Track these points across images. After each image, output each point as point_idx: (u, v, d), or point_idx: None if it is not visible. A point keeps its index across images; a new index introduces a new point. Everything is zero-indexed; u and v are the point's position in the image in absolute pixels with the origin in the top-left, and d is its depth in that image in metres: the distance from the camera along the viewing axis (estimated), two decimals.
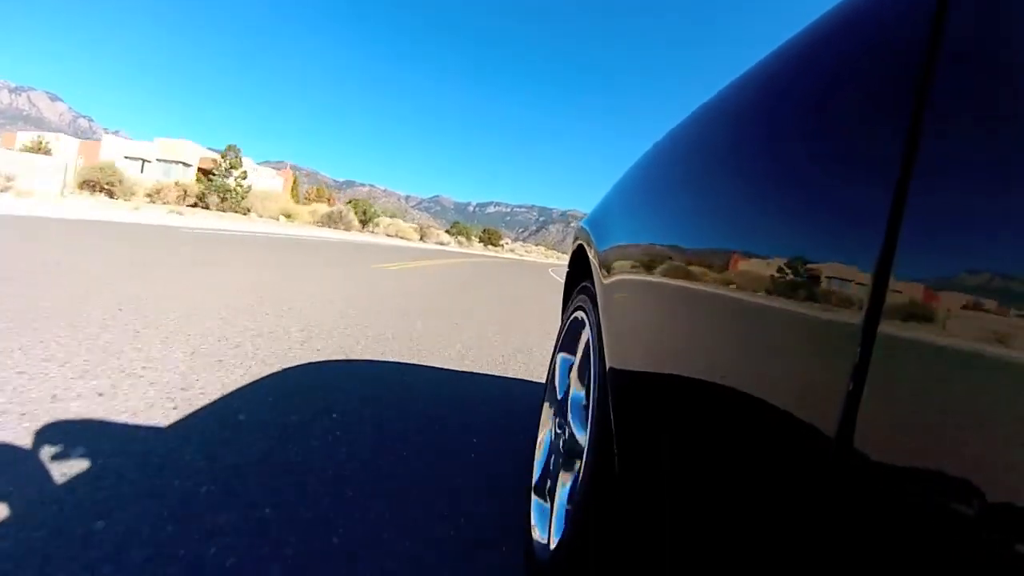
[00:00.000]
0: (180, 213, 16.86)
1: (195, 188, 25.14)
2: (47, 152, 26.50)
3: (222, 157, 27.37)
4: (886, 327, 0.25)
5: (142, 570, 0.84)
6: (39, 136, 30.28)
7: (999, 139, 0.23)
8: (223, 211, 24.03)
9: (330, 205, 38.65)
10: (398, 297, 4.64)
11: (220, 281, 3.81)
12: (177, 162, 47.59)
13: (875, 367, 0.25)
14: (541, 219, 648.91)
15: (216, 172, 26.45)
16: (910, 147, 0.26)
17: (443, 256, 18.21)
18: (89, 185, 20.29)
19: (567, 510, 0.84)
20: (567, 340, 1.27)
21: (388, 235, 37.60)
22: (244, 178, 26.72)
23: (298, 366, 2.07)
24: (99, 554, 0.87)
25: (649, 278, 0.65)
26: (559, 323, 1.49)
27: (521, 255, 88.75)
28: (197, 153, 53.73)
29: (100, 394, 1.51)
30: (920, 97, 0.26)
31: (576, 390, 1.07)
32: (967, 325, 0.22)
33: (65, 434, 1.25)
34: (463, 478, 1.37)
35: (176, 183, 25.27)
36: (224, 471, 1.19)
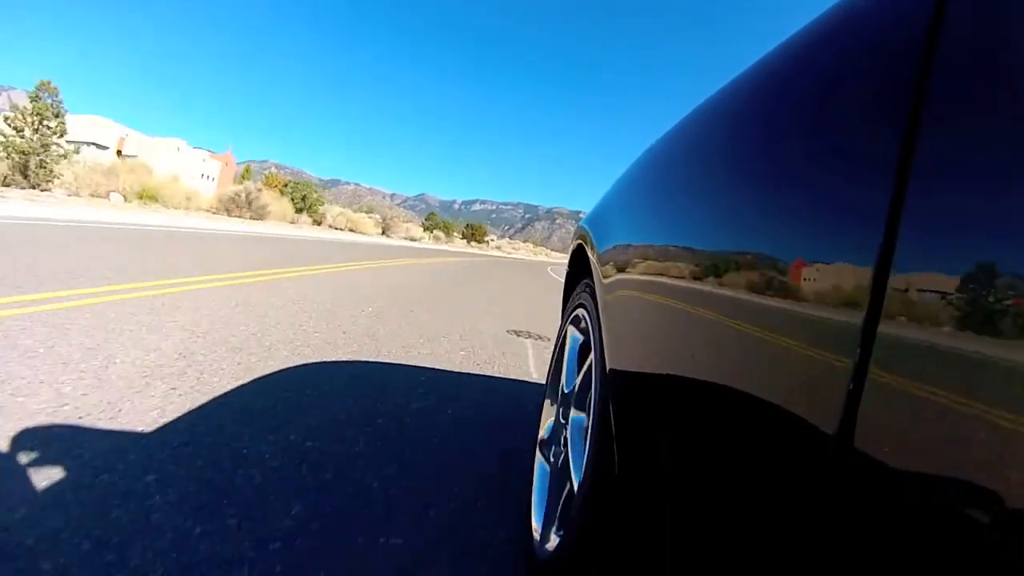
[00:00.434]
0: None
1: None
2: None
3: (30, 103, 16.16)
4: (886, 327, 0.25)
5: None
6: None
7: (997, 139, 0.23)
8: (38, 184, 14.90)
9: (281, 194, 31.96)
10: None
11: None
12: (88, 143, 40.36)
13: (875, 367, 0.25)
14: (527, 216, 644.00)
15: (16, 125, 15.76)
16: (909, 147, 0.26)
17: (401, 255, 13.71)
18: None
19: (568, 510, 0.84)
20: (567, 339, 1.27)
21: (336, 227, 30.61)
22: (61, 135, 16.54)
23: None
24: None
25: (649, 278, 0.65)
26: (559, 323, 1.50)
27: (507, 252, 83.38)
28: (117, 133, 45.65)
29: None
30: (918, 97, 0.26)
31: (577, 387, 1.06)
32: (966, 325, 0.22)
33: None
34: None
35: None
36: None
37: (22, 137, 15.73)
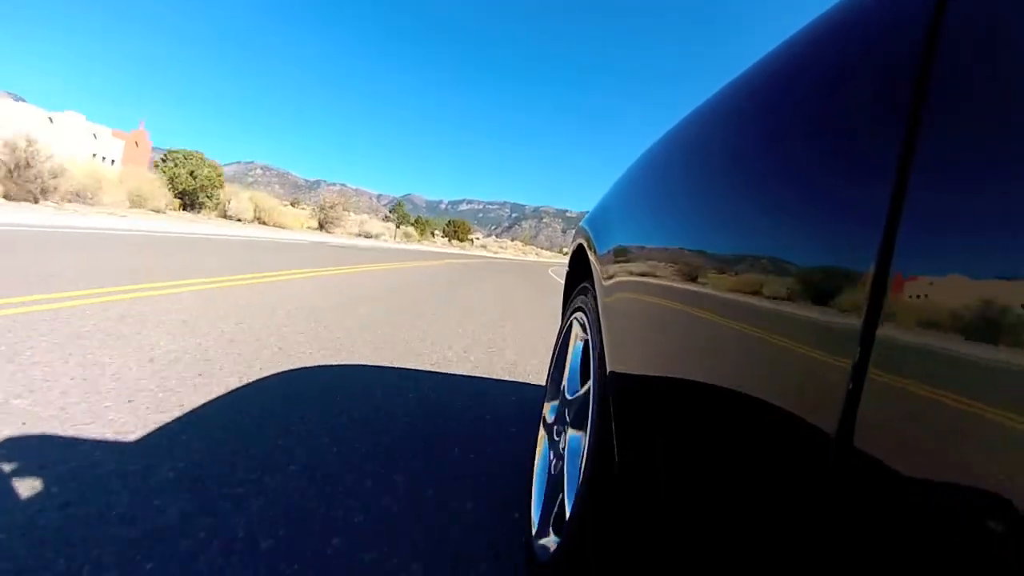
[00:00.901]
0: None
1: None
2: None
3: None
4: (885, 327, 0.25)
5: None
6: None
7: (997, 139, 0.23)
8: None
9: (218, 184, 22.95)
10: None
11: None
12: None
13: (875, 367, 0.25)
14: (514, 215, 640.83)
15: None
16: (909, 147, 0.26)
17: (329, 263, 7.57)
18: None
19: (568, 512, 0.83)
20: (567, 340, 1.28)
21: (240, 220, 21.43)
22: None
23: None
24: None
25: (649, 279, 0.65)
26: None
27: (495, 252, 75.20)
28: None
29: None
30: (918, 97, 0.26)
31: (577, 389, 1.06)
32: (966, 325, 0.22)
33: None
34: None
35: None
36: None
37: None
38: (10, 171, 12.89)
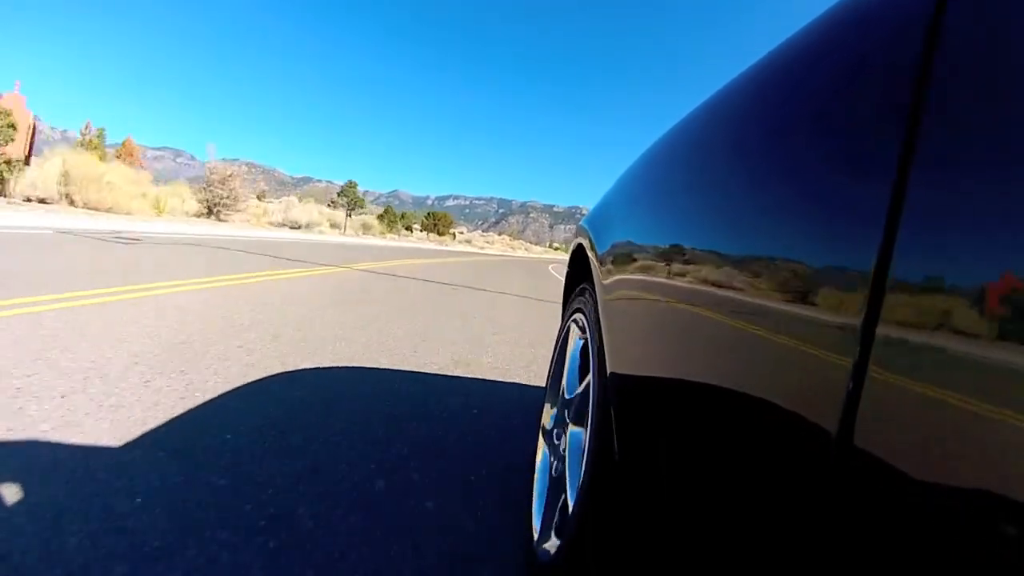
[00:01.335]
0: None
1: None
2: None
3: None
4: (885, 327, 0.25)
5: None
6: None
7: (998, 138, 0.23)
8: None
9: (130, 163, 18.71)
10: None
11: None
12: None
13: (875, 367, 0.25)
14: (500, 211, 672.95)
15: None
16: (909, 146, 0.26)
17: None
18: None
19: (568, 513, 0.83)
20: (567, 341, 1.27)
21: (43, 200, 13.10)
22: None
23: None
24: None
25: (649, 278, 0.65)
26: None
27: (480, 247, 62.50)
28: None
29: None
30: (918, 97, 0.27)
31: (578, 387, 1.05)
32: (966, 324, 0.22)
33: None
34: None
35: None
36: None
37: None
38: None
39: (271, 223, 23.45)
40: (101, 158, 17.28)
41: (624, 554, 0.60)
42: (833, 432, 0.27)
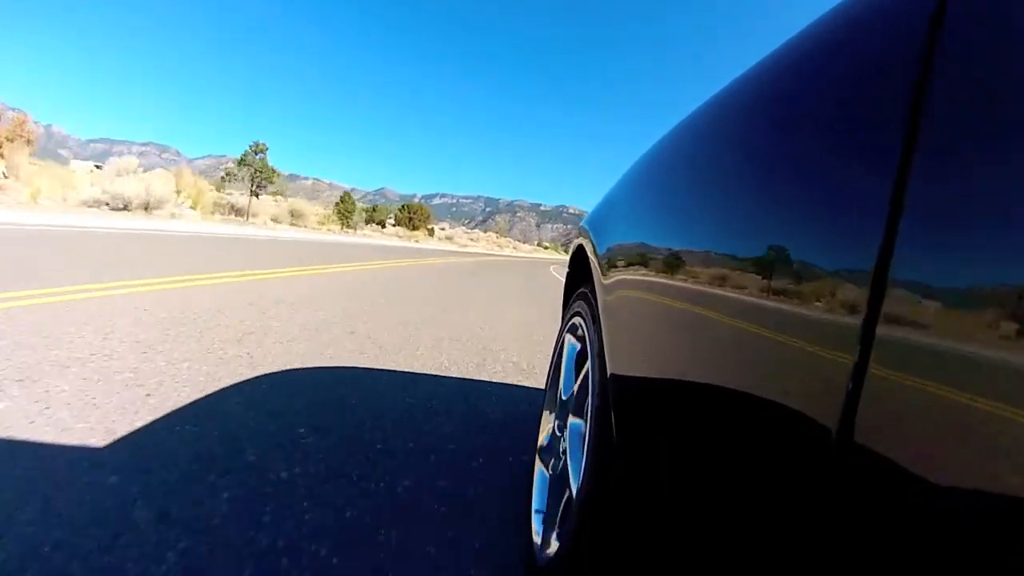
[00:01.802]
0: None
1: None
2: None
3: None
4: (886, 327, 0.25)
5: None
6: None
7: (998, 138, 0.23)
8: None
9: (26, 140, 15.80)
10: None
11: None
12: None
13: (875, 367, 0.25)
14: (488, 209, 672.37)
15: None
16: (909, 146, 0.26)
17: None
18: None
19: (567, 517, 0.82)
20: (566, 342, 1.27)
21: None
22: None
23: None
24: None
25: (651, 277, 0.64)
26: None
27: (463, 245, 57.37)
28: None
29: None
30: (919, 96, 0.27)
31: (577, 387, 1.05)
32: (966, 324, 0.22)
33: None
34: None
35: None
36: None
37: None
38: None
39: (87, 202, 14.77)
40: None
41: (627, 556, 0.59)
42: (833, 431, 0.27)
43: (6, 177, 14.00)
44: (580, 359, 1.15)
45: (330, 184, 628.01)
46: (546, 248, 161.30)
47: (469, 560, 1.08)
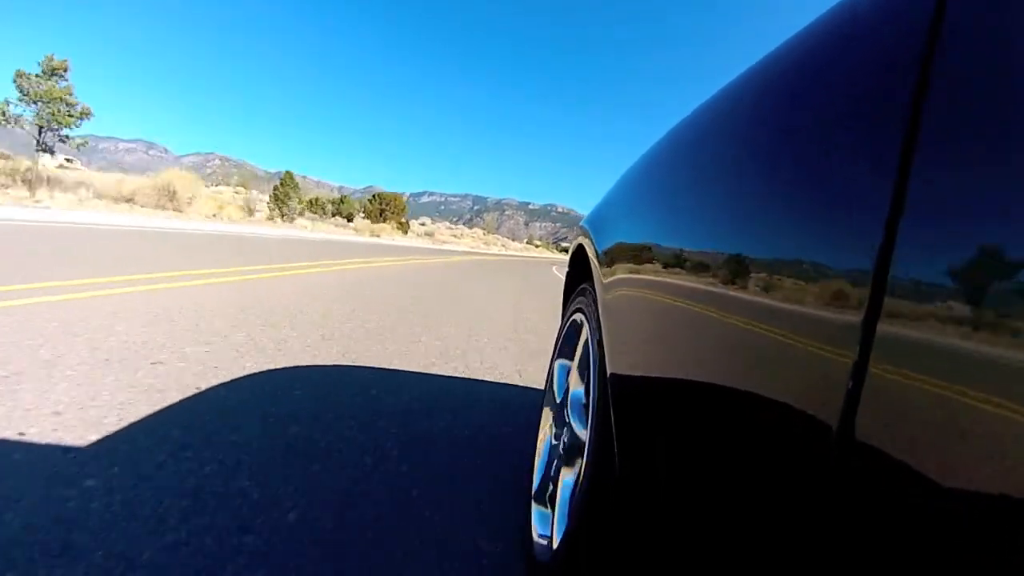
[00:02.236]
0: None
1: None
2: None
3: None
4: (886, 326, 0.25)
5: None
6: None
7: (998, 137, 0.23)
8: None
9: None
10: None
11: None
12: None
13: (875, 366, 0.25)
14: (476, 208, 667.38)
15: None
16: (909, 145, 0.27)
17: None
18: None
19: (568, 513, 0.83)
20: (567, 340, 1.28)
21: None
22: None
23: None
24: None
25: (651, 276, 0.65)
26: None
27: (441, 242, 47.88)
28: None
29: None
30: (919, 95, 0.27)
31: (576, 390, 1.06)
32: (967, 322, 0.22)
33: None
34: None
35: None
36: None
37: None
38: None
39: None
40: None
41: (627, 556, 0.59)
42: (833, 430, 0.27)
43: None
44: (581, 357, 1.15)
45: (318, 182, 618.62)
46: (537, 246, 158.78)
47: None
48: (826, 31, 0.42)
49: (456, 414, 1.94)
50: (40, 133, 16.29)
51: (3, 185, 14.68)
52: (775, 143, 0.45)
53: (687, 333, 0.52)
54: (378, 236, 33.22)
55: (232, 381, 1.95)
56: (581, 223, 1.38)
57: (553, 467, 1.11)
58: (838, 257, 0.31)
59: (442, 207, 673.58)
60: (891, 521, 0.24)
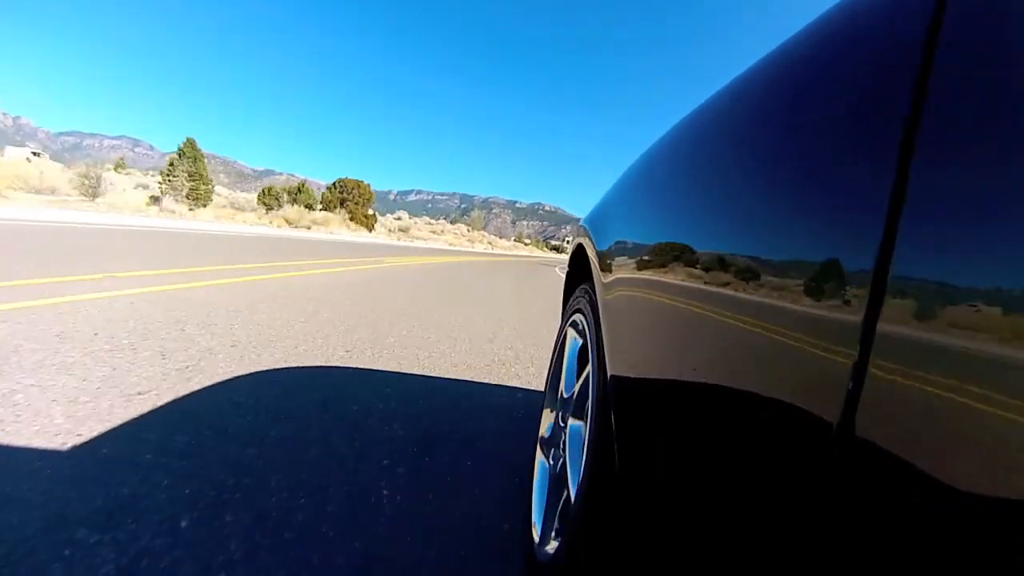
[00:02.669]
0: None
1: None
2: None
3: None
4: (886, 326, 0.25)
5: None
6: None
7: (997, 136, 0.23)
8: None
9: None
10: None
11: None
12: None
13: (875, 365, 0.25)
14: (463, 206, 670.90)
15: None
16: (909, 144, 0.26)
17: None
18: None
19: (568, 513, 0.82)
20: (566, 341, 1.28)
21: None
22: None
23: None
24: None
25: (651, 276, 0.65)
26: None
27: (412, 239, 39.59)
28: None
29: None
30: (919, 95, 0.27)
31: (577, 383, 1.06)
32: (967, 323, 0.22)
33: None
34: None
35: None
36: None
37: None
38: None
39: None
40: None
41: (626, 556, 0.59)
42: (833, 430, 0.27)
43: None
44: (581, 355, 1.15)
45: (304, 180, 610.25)
46: (527, 244, 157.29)
47: None
48: (826, 31, 0.42)
49: None
50: None
51: None
52: (775, 143, 0.45)
53: (687, 332, 0.52)
54: (328, 230, 27.26)
55: None
56: (581, 222, 1.38)
57: (555, 467, 1.13)
58: (838, 256, 0.31)
59: (429, 205, 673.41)
60: (891, 521, 0.24)
